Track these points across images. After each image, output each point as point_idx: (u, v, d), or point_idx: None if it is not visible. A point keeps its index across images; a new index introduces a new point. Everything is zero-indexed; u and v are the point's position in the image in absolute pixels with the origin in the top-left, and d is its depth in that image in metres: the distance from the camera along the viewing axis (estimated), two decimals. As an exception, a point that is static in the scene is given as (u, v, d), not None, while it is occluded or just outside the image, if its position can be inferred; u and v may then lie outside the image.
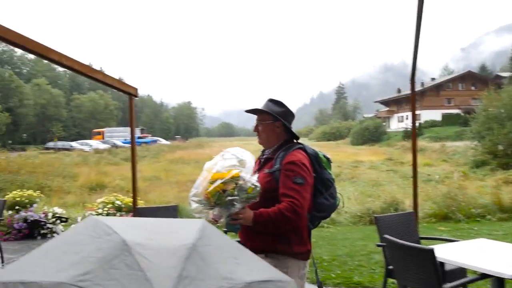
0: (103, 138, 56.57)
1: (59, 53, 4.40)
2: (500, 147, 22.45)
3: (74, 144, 45.96)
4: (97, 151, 39.01)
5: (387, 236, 3.26)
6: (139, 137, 56.67)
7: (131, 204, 7.25)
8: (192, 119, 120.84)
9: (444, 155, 33.13)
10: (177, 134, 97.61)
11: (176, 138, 73.11)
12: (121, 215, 6.86)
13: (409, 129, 53.18)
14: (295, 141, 2.79)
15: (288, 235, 2.54)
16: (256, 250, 2.51)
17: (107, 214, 6.82)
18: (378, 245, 4.10)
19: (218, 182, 2.25)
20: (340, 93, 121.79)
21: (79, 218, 7.17)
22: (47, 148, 44.40)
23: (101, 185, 19.92)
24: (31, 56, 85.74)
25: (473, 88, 62.46)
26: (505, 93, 24.50)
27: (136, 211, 5.28)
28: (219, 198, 2.24)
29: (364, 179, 19.43)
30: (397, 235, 3.81)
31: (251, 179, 2.32)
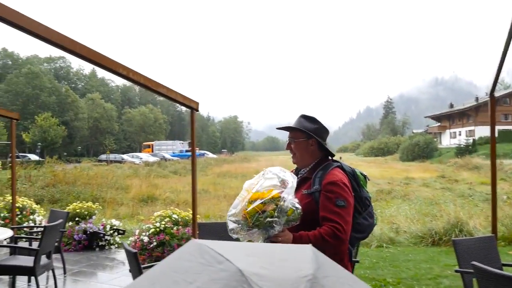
0: (152, 151, 58.15)
1: (127, 67, 4.46)
2: None
3: (125, 156, 47.44)
4: (146, 163, 39.97)
5: (476, 263, 2.99)
6: (186, 151, 57.84)
7: (187, 218, 7.24)
8: (238, 133, 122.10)
9: (503, 173, 31.47)
10: (223, 147, 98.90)
11: (222, 152, 73.96)
12: (177, 229, 6.84)
13: (462, 145, 51.17)
14: (330, 158, 2.67)
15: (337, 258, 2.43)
16: None
17: (165, 228, 6.82)
18: (458, 271, 3.81)
19: (258, 202, 2.13)
20: (389, 107, 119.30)
21: (136, 231, 7.21)
22: (100, 160, 46.05)
23: (152, 197, 20.28)
24: (86, 72, 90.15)
25: (532, 103, 59.42)
26: None
27: (198, 226, 5.21)
28: (258, 219, 2.12)
29: (418, 197, 18.66)
30: (477, 260, 3.52)
31: (293, 200, 2.19)
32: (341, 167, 2.58)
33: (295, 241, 2.26)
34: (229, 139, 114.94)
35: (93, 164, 40.67)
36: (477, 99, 63.75)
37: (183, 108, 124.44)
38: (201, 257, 1.19)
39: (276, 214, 2.11)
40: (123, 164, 38.39)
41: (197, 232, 5.02)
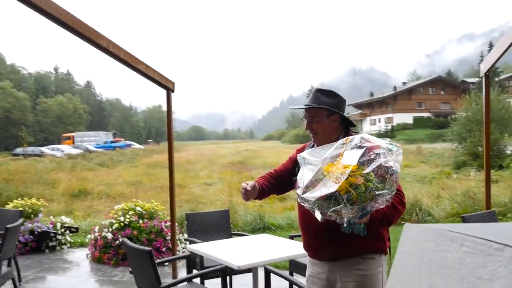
0: (73, 143, 54.87)
1: (108, 39, 4.00)
2: (481, 149, 22.92)
3: (44, 149, 44.18)
4: (70, 156, 37.58)
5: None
6: (112, 141, 55.33)
7: (152, 210, 6.78)
8: (162, 123, 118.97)
9: (421, 156, 33.73)
10: (148, 138, 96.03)
11: (148, 142, 71.77)
12: (144, 222, 6.36)
13: (382, 131, 54.16)
14: (352, 130, 2.56)
15: (382, 232, 2.36)
16: (357, 252, 2.28)
17: (130, 222, 6.31)
18: None
19: (369, 169, 1.88)
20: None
21: (96, 228, 6.60)
22: (16, 154, 42.46)
23: (84, 191, 19.06)
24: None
25: (442, 92, 64.28)
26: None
27: (186, 217, 4.85)
28: (363, 193, 1.86)
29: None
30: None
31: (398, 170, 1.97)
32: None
33: (372, 214, 2.08)
34: (154, 129, 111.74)
35: (10, 159, 37.47)
36: (395, 88, 67.70)
37: (104, 97, 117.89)
38: (460, 245, 0.93)
39: (385, 186, 1.90)
40: (43, 158, 35.73)
41: (185, 222, 4.69)
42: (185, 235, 7.00)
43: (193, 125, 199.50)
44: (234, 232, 5.30)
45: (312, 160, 2.04)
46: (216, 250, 3.48)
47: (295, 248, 3.57)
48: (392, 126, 57.31)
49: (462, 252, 0.90)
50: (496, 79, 47.12)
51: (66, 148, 46.07)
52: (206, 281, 4.16)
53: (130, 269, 3.37)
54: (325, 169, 1.94)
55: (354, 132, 2.51)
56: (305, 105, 2.46)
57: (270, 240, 3.96)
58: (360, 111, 75.20)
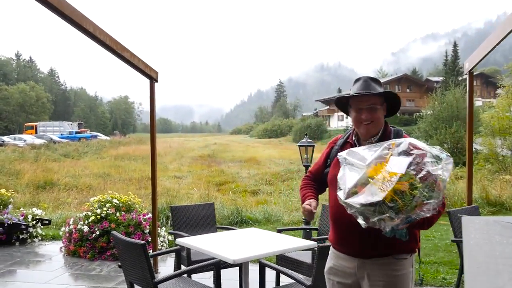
0: (36, 133, 53.07)
1: (95, 24, 3.86)
2: (446, 146, 23.64)
3: (5, 138, 42.55)
4: (33, 146, 36.36)
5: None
6: (77, 132, 53.86)
7: (129, 202, 6.62)
8: (129, 114, 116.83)
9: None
10: (114, 129, 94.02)
11: (114, 134, 70.19)
12: (121, 215, 6.20)
13: (349, 127, 55.03)
14: (390, 125, 2.48)
15: (415, 232, 2.31)
16: (391, 252, 2.25)
17: (107, 215, 6.13)
18: (454, 241, 4.02)
19: (422, 172, 1.84)
20: (280, 91, 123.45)
21: (71, 220, 6.38)
22: (-26, 143, 40.72)
23: (50, 183, 18.51)
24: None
25: (408, 90, 65.83)
26: (450, 95, 25.86)
27: (171, 209, 4.75)
28: (409, 201, 1.82)
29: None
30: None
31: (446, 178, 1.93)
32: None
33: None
34: (120, 120, 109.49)
35: (-33, 147, 35.88)
36: (362, 85, 68.84)
37: (68, 86, 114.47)
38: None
39: (433, 194, 1.84)
40: (5, 147, 34.40)
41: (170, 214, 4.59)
42: (164, 229, 6.90)
43: (161, 117, 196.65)
44: (219, 226, 5.24)
45: (354, 162, 1.99)
46: (207, 244, 3.42)
47: (286, 242, 3.56)
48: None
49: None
50: (460, 78, 48.61)
51: (28, 137, 44.51)
52: (193, 275, 4.10)
53: (119, 263, 3.26)
54: (370, 174, 1.89)
55: (392, 126, 2.44)
56: (382, 92, 2.32)
57: (259, 234, 3.93)
58: (328, 107, 76.06)
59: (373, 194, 1.83)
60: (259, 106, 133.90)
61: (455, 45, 58.17)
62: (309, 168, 2.63)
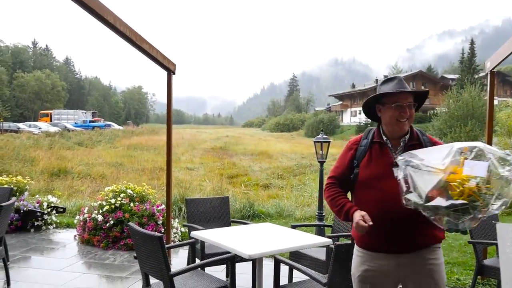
0: (51, 121, 53.68)
1: (116, 16, 3.86)
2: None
3: (21, 125, 43.09)
4: (48, 134, 36.76)
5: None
6: (90, 121, 54.34)
7: (143, 193, 6.67)
8: (142, 105, 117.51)
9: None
10: (127, 119, 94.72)
11: (128, 123, 70.70)
12: (136, 206, 6.25)
13: (362, 123, 54.59)
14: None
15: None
16: (428, 242, 2.34)
17: (121, 205, 6.19)
18: (470, 242, 3.97)
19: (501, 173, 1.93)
20: (293, 85, 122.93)
21: (85, 209, 6.45)
22: (-10, 129, 41.32)
23: (64, 170, 18.71)
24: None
25: (423, 87, 65.09)
26: (466, 93, 25.51)
27: (186, 202, 4.77)
28: (488, 201, 1.93)
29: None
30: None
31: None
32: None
33: None
34: (133, 110, 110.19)
35: (-16, 134, 36.45)
36: (376, 80, 68.20)
37: (83, 75, 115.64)
38: None
39: (503, 193, 1.93)
40: (20, 134, 34.85)
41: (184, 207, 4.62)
42: (176, 220, 6.94)
43: (174, 108, 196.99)
44: (233, 220, 5.24)
45: (421, 165, 2.05)
46: (222, 238, 3.43)
47: (301, 239, 3.55)
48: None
49: None
50: (476, 76, 47.87)
51: (43, 125, 45.04)
52: (206, 268, 4.12)
53: (135, 255, 3.28)
54: (447, 179, 1.95)
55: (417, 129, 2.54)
56: (421, 90, 2.47)
57: (274, 229, 3.93)
58: (341, 102, 75.67)
59: (453, 198, 1.93)
60: (272, 99, 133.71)
61: (472, 43, 57.17)
62: (330, 174, 2.58)
